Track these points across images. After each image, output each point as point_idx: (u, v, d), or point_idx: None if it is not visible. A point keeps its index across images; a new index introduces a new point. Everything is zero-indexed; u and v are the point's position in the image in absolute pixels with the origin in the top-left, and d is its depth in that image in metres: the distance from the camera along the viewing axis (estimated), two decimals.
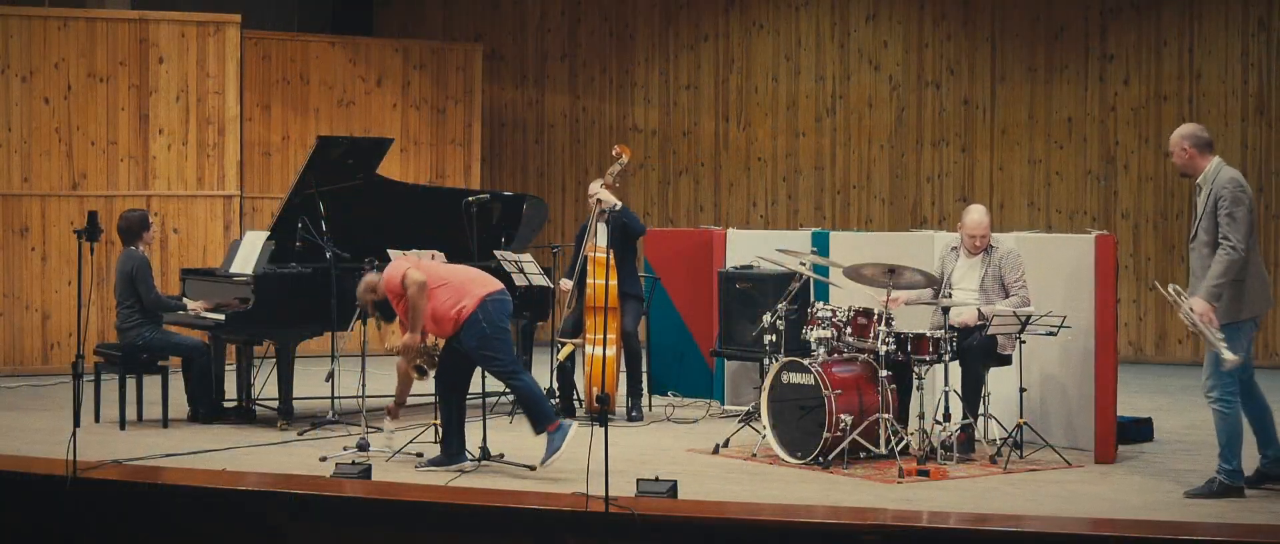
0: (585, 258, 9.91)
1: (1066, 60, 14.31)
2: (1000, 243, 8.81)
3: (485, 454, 8.32)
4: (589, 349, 9.67)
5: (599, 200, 9.91)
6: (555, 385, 10.12)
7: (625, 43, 15.60)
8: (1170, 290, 7.52)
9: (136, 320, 9.63)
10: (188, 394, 9.87)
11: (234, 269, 9.83)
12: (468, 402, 8.46)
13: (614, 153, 10.13)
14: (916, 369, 8.37)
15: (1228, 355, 7.26)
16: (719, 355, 10.54)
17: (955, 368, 8.50)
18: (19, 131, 12.77)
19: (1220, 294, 7.35)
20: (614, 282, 9.80)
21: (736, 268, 10.47)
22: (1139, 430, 9.28)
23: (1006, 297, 8.64)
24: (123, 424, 9.57)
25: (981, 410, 8.56)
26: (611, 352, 9.72)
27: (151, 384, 9.90)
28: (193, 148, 13.22)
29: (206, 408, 9.83)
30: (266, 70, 13.95)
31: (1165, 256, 13.98)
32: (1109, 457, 8.52)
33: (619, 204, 9.93)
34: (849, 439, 8.17)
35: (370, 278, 8.31)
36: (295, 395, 9.76)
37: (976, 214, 8.77)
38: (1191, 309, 7.36)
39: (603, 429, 6.30)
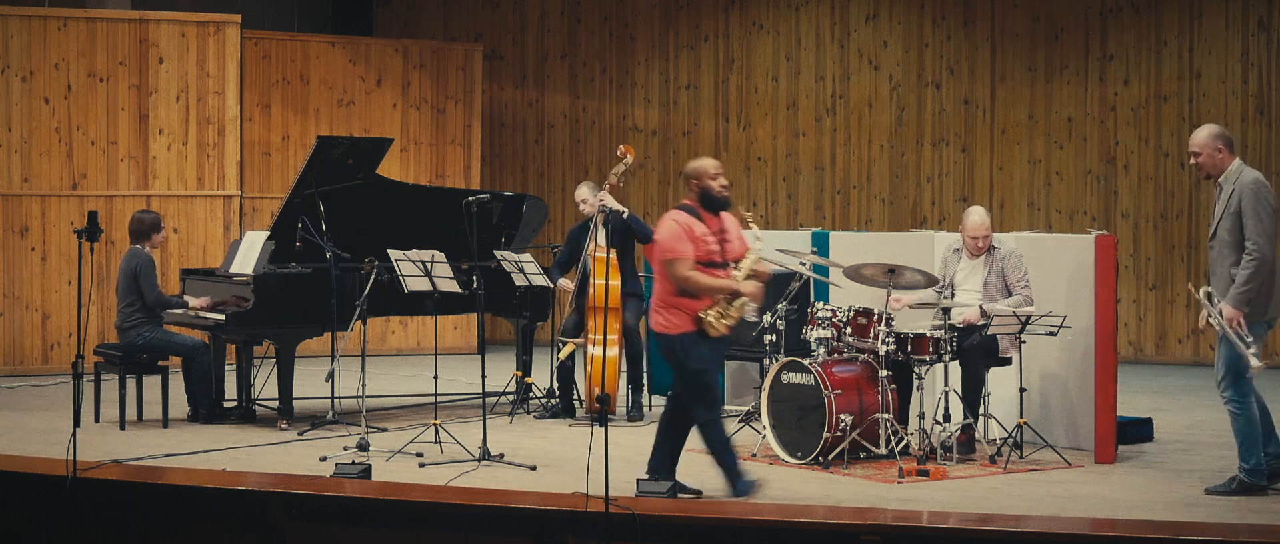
0: (587, 258, 9.91)
1: (1066, 60, 14.31)
2: (1002, 244, 8.81)
3: (485, 454, 8.32)
4: (590, 349, 9.67)
5: (601, 203, 9.90)
6: (555, 385, 10.12)
7: (625, 43, 15.60)
8: (1202, 293, 7.53)
9: (138, 319, 9.63)
10: (188, 394, 9.87)
11: (234, 269, 9.83)
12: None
13: (619, 153, 10.12)
14: (916, 369, 8.37)
15: (1255, 362, 7.28)
16: None
17: (955, 368, 8.50)
18: (19, 131, 12.77)
19: (1250, 299, 7.34)
20: (615, 282, 9.79)
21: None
22: (1139, 430, 9.28)
23: (1009, 297, 8.64)
24: (123, 424, 9.57)
25: (981, 410, 8.56)
26: (613, 352, 9.71)
27: (151, 384, 9.90)
28: (193, 148, 13.22)
29: (206, 408, 9.83)
30: (266, 70, 13.95)
31: (1165, 256, 13.98)
32: (1109, 457, 8.52)
33: (625, 211, 9.89)
34: (849, 439, 8.17)
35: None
36: (295, 395, 9.76)
37: (976, 216, 8.76)
38: (1221, 313, 7.38)
39: (603, 429, 6.29)
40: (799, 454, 8.32)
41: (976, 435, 8.56)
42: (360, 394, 9.44)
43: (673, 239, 7.17)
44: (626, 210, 9.93)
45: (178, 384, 9.92)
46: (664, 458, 7.42)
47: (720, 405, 7.47)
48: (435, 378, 8.77)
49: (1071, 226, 13.95)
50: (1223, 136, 7.54)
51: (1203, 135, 7.58)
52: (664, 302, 7.25)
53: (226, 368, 10.31)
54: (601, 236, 9.90)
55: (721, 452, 7.29)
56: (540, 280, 9.96)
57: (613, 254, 9.78)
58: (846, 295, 9.36)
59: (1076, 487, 7.83)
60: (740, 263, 7.31)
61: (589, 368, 9.67)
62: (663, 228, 7.26)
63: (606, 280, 9.74)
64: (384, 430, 9.37)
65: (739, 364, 10.60)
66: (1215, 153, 7.51)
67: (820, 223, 14.74)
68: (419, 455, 8.42)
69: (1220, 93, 13.75)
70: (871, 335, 8.37)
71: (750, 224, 7.51)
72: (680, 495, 7.23)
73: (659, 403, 10.62)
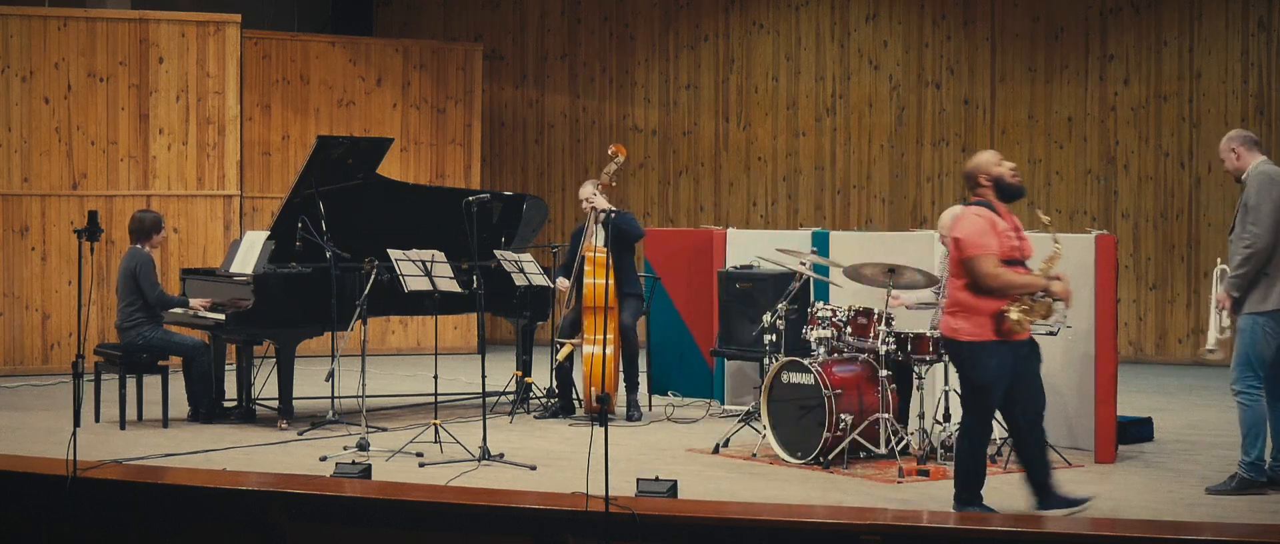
0: (583, 258, 9.91)
1: (1066, 60, 14.31)
2: None
3: (485, 454, 8.32)
4: (587, 348, 9.67)
5: (593, 205, 9.91)
6: (555, 385, 10.12)
7: (625, 43, 15.60)
8: (1217, 270, 7.70)
9: (138, 319, 9.63)
10: (188, 394, 9.87)
11: (234, 269, 9.82)
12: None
13: (610, 152, 10.12)
14: (916, 369, 8.37)
15: (1210, 341, 7.62)
16: (719, 355, 10.53)
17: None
18: (19, 131, 12.77)
19: (1240, 285, 7.47)
20: (611, 281, 9.78)
21: (736, 268, 10.47)
22: (1139, 430, 9.28)
23: None
24: (123, 424, 9.57)
25: None
26: (611, 351, 9.71)
27: (151, 384, 9.90)
28: (193, 148, 13.23)
29: (206, 408, 9.83)
30: (266, 70, 13.95)
31: (1165, 256, 13.98)
32: (1109, 457, 8.52)
33: (614, 210, 9.88)
34: (849, 439, 8.17)
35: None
36: (295, 395, 9.76)
37: (944, 216, 8.81)
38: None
39: (603, 429, 6.29)
40: (799, 454, 8.32)
41: None
42: (360, 394, 9.44)
43: (978, 234, 6.70)
44: (615, 210, 9.89)
45: (178, 384, 9.91)
46: (1040, 479, 6.92)
47: (990, 428, 6.99)
48: (435, 378, 8.77)
49: (1071, 226, 13.94)
50: (1236, 138, 7.70)
51: (1222, 141, 7.74)
52: (959, 304, 6.80)
53: (226, 368, 10.31)
54: (598, 237, 9.90)
55: (967, 469, 6.88)
56: (540, 280, 9.96)
57: (609, 254, 9.76)
58: (846, 295, 9.36)
59: (1076, 486, 7.80)
60: (1039, 263, 6.91)
61: (587, 368, 9.67)
62: (966, 223, 6.78)
63: (606, 280, 9.73)
64: (384, 430, 9.37)
65: (739, 364, 10.61)
66: (1230, 155, 7.69)
67: (820, 223, 14.74)
68: (419, 455, 8.42)
69: (1220, 93, 13.75)
70: (871, 335, 8.37)
71: (1048, 227, 7.12)
72: (1073, 508, 6.82)
73: (659, 403, 10.64)
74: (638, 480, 6.97)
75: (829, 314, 8.58)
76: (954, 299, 6.85)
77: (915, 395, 8.41)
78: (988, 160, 6.91)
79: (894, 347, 8.28)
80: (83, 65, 12.93)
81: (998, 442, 8.52)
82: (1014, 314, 6.68)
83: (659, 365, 11.16)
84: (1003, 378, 6.78)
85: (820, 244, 10.13)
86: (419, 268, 8.98)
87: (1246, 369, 7.48)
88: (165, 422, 9.65)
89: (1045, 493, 6.91)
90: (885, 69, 14.86)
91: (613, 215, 9.82)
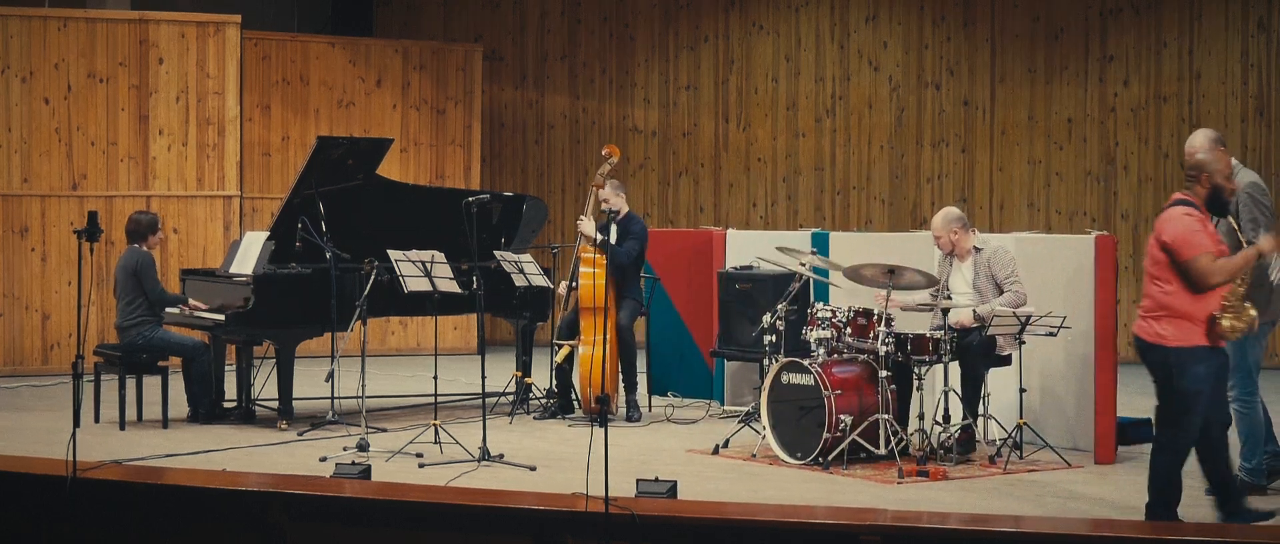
0: (579, 259, 9.90)
1: (1066, 60, 14.31)
2: (986, 243, 8.82)
3: (485, 454, 8.32)
4: (582, 349, 9.66)
5: (592, 220, 9.88)
6: (554, 385, 10.12)
7: (625, 43, 15.60)
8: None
9: (138, 318, 9.63)
10: (188, 394, 9.87)
11: (234, 269, 9.82)
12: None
13: (603, 153, 10.12)
14: (916, 369, 8.37)
15: None
16: (719, 355, 10.54)
17: (955, 368, 8.50)
18: (19, 131, 12.77)
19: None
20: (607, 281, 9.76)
21: (736, 268, 10.47)
22: (1139, 431, 9.27)
23: (1001, 294, 8.64)
24: (123, 424, 9.57)
25: (981, 411, 8.56)
26: (609, 352, 9.70)
27: (151, 384, 9.90)
28: (192, 148, 13.23)
29: (206, 408, 9.83)
30: (266, 71, 13.95)
31: None
32: (1109, 457, 8.53)
33: (600, 237, 9.78)
34: (849, 439, 8.17)
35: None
36: (295, 395, 9.76)
37: (936, 218, 8.82)
38: None
39: (602, 429, 6.30)
40: (799, 454, 8.32)
41: (976, 435, 8.57)
42: (360, 394, 9.44)
43: (1191, 232, 6.41)
44: (602, 236, 9.79)
45: (178, 384, 9.91)
46: (1227, 488, 6.72)
47: (1194, 441, 6.62)
48: (435, 378, 8.77)
49: (1071, 227, 13.95)
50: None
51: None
52: (1167, 309, 6.55)
53: (226, 368, 10.31)
54: (596, 235, 9.88)
55: (1164, 486, 6.58)
56: (540, 281, 9.96)
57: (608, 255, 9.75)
58: (846, 296, 9.37)
59: (1076, 487, 7.83)
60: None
61: (583, 368, 9.66)
62: (1177, 224, 6.46)
63: (606, 282, 9.73)
64: (384, 431, 9.37)
65: (739, 364, 10.61)
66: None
67: (820, 223, 14.75)
68: (419, 455, 8.42)
69: (1220, 93, 13.75)
70: (871, 336, 8.37)
71: (1234, 227, 6.86)
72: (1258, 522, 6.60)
73: (659, 403, 10.64)
74: (637, 481, 6.97)
75: (829, 315, 8.58)
76: (1160, 303, 6.57)
77: (915, 396, 8.42)
78: (1220, 166, 6.59)
79: (893, 347, 8.28)
80: (83, 66, 12.93)
81: (997, 442, 8.53)
82: (1226, 322, 6.43)
83: (659, 366, 11.16)
84: (1210, 385, 6.51)
85: (820, 245, 10.13)
86: (419, 268, 8.97)
87: (1243, 376, 7.45)
88: (165, 422, 9.65)
89: (1235, 506, 6.72)
90: (885, 70, 14.86)
91: (597, 240, 9.75)
